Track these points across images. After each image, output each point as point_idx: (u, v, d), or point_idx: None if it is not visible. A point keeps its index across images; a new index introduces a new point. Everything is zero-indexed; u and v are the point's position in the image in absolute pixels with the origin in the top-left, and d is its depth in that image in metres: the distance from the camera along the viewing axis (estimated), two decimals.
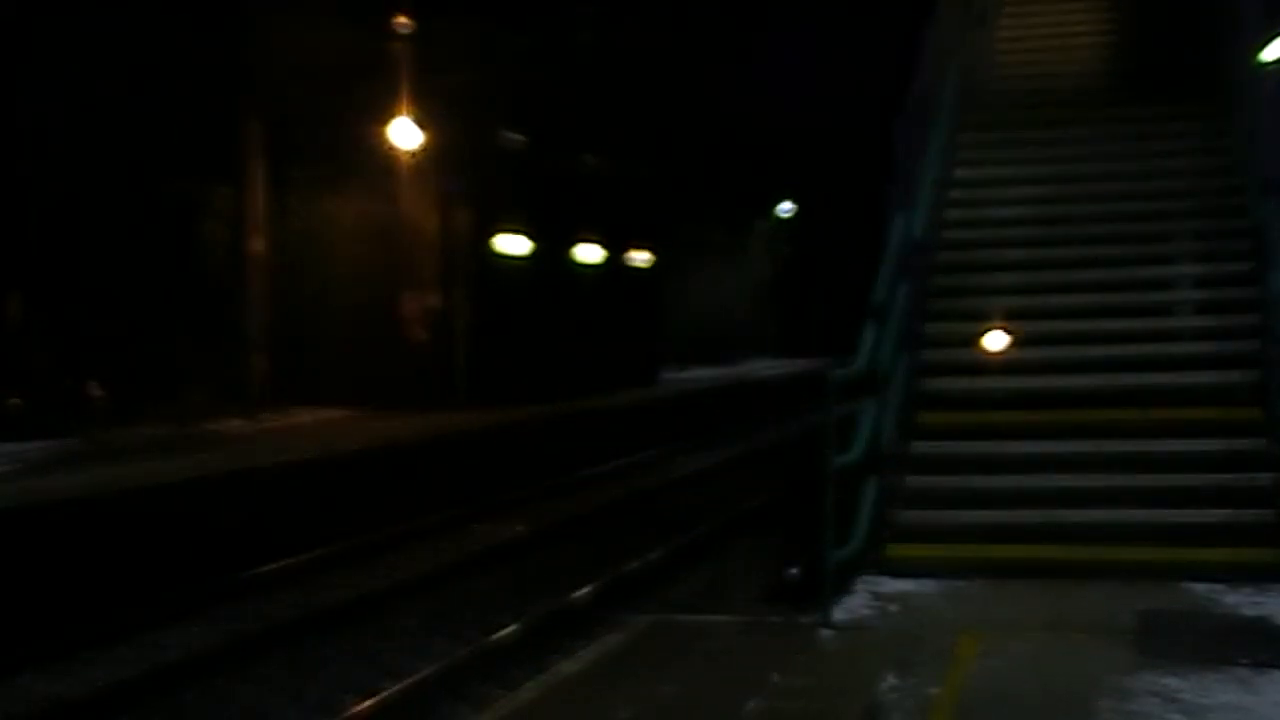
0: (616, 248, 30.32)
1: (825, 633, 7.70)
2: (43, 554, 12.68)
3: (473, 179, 24.48)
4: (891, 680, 6.70)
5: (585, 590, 12.59)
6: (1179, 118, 12.44)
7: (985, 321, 10.74)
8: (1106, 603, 8.18)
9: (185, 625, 12.03)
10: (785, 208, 44.99)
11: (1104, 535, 9.02)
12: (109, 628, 11.63)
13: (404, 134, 23.07)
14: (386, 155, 23.37)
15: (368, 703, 9.45)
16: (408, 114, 22.89)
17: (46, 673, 10.65)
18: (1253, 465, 9.24)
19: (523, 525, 16.70)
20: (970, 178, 12.24)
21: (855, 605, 8.28)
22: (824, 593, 7.94)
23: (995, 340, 10.37)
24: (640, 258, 31.79)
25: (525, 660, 10.28)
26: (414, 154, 23.37)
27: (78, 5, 19.17)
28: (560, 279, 27.59)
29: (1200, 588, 8.42)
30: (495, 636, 11.10)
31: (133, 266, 20.95)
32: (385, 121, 23.04)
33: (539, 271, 26.73)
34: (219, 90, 21.47)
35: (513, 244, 26.04)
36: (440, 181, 24.22)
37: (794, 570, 9.25)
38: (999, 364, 10.42)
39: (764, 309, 45.16)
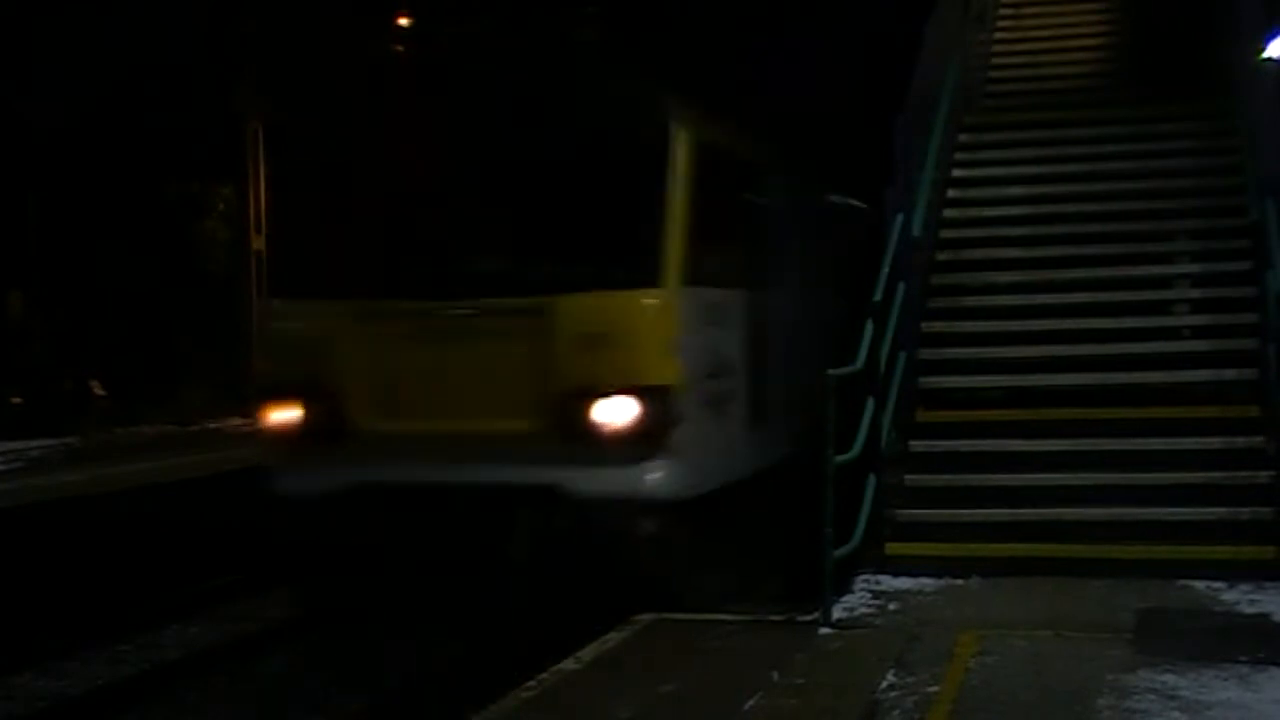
0: None
1: (824, 631, 7.72)
2: (41, 552, 12.68)
3: None
4: (891, 678, 6.71)
5: None
6: (1177, 117, 12.44)
7: (984, 320, 10.76)
8: (1105, 600, 8.20)
9: (185, 624, 12.04)
10: None
11: (1103, 533, 9.04)
12: (109, 626, 11.65)
13: None
14: None
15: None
16: None
17: (47, 672, 10.66)
18: (1251, 463, 9.26)
19: None
20: (968, 177, 12.25)
21: (854, 603, 8.31)
22: (824, 591, 7.96)
23: None
24: None
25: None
26: None
27: (79, 4, 19.17)
28: None
29: (1199, 585, 8.44)
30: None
31: (133, 266, 20.96)
32: None
33: None
34: (219, 90, 21.47)
35: None
36: None
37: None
38: (998, 362, 10.43)
39: None
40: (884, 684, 6.64)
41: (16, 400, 19.00)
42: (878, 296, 9.31)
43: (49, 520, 13.10)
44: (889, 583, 8.76)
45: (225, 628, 11.92)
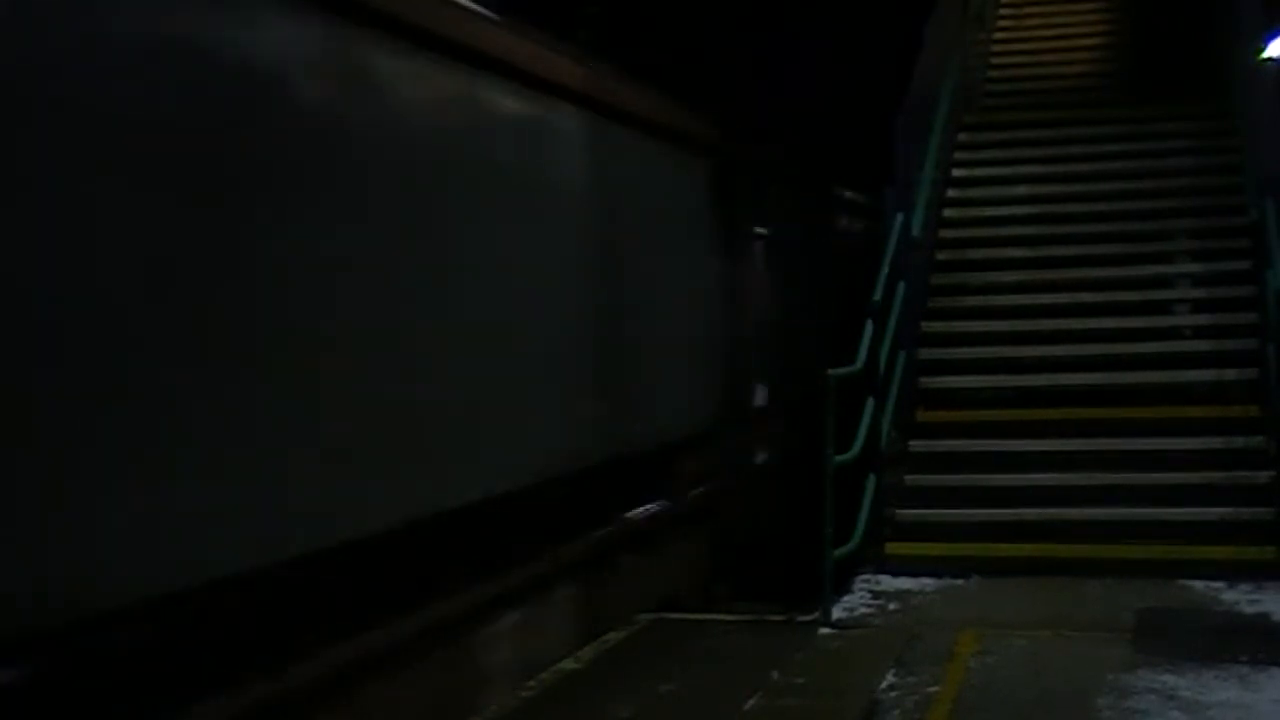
0: None
1: (824, 631, 7.72)
2: None
3: None
4: (890, 678, 6.72)
5: None
6: (1177, 116, 12.44)
7: (984, 320, 10.77)
8: (1105, 600, 8.20)
9: None
10: None
11: (1103, 533, 9.04)
12: None
13: None
14: None
15: None
16: None
17: None
18: (1251, 463, 9.26)
19: None
20: (968, 177, 12.25)
21: (854, 603, 8.32)
22: (823, 591, 7.97)
23: None
24: None
25: None
26: None
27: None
28: None
29: (1199, 585, 8.44)
30: None
31: None
32: None
33: None
34: None
35: None
36: None
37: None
38: (998, 362, 10.44)
39: None
40: (884, 684, 6.64)
41: None
42: (878, 296, 9.32)
43: None
44: (889, 583, 8.76)
45: None
